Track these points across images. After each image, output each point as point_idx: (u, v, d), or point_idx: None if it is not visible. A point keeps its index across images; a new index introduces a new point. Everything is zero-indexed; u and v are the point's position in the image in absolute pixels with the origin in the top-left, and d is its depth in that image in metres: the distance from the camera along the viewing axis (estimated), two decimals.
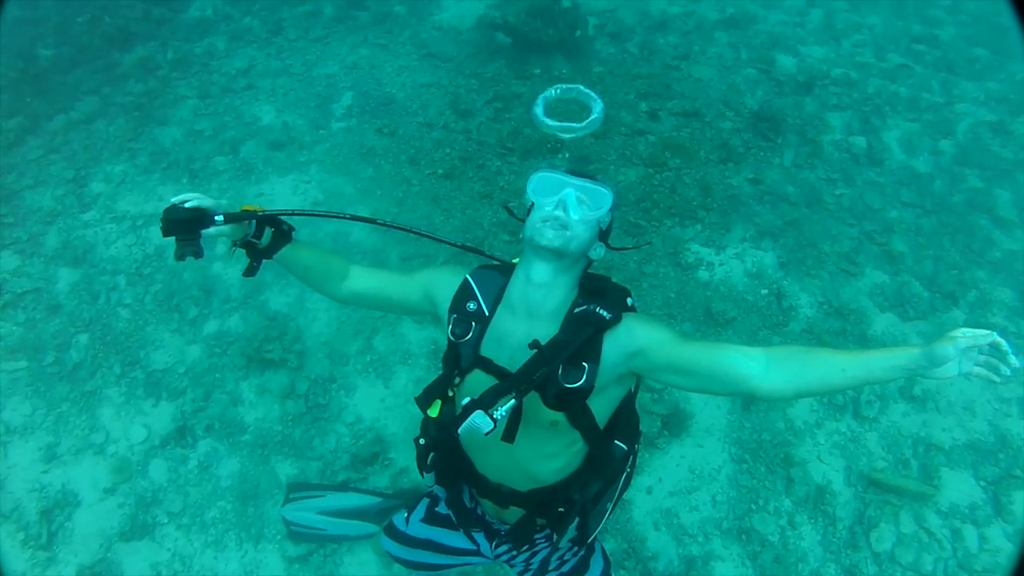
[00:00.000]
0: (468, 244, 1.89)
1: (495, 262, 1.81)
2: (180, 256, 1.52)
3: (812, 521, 2.91)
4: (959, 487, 2.98)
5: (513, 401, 1.44)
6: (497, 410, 1.43)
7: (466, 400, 1.45)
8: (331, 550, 2.79)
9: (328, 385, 3.17)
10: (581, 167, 3.63)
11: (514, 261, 1.71)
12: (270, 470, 2.97)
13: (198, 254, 1.51)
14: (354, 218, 1.79)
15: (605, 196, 1.58)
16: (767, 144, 4.24)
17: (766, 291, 3.48)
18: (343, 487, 2.79)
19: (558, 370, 1.48)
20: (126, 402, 3.14)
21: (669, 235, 3.67)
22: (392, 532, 2.08)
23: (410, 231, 1.81)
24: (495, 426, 1.41)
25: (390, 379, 3.18)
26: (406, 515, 2.07)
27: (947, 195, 4.14)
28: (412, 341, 3.29)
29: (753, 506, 2.95)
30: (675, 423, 3.12)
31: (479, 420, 1.41)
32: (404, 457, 2.95)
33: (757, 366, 1.42)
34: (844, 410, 3.16)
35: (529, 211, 1.61)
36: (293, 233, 1.68)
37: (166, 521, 2.89)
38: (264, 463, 2.99)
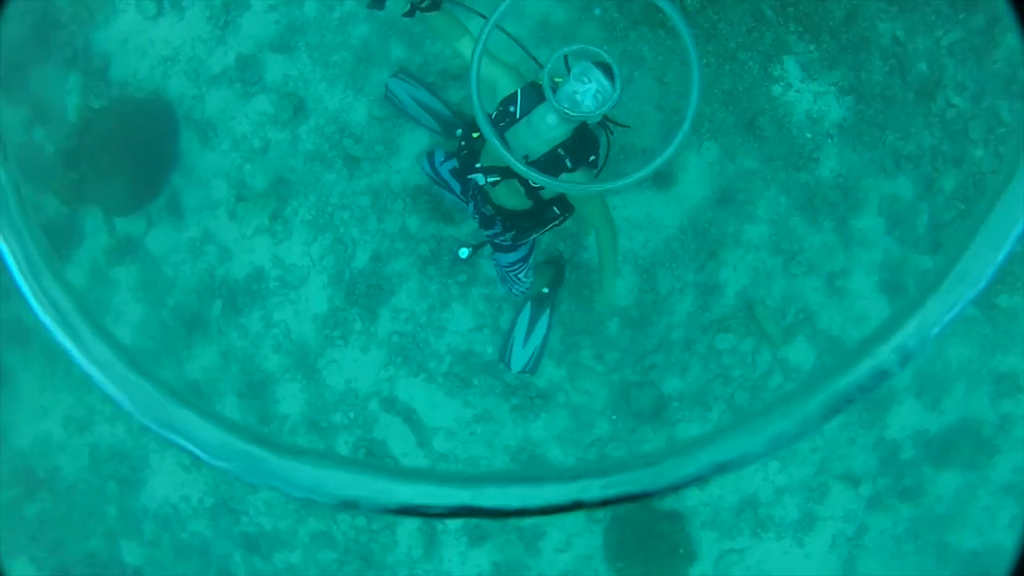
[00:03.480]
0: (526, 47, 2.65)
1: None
2: (369, 6, 2.38)
3: (695, 299, 3.75)
4: (800, 353, 3.80)
5: (499, 178, 2.58)
6: (489, 177, 2.58)
7: (484, 157, 2.63)
8: (400, 123, 3.70)
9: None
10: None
11: (558, 80, 2.47)
12: (387, 48, 3.68)
13: (382, 8, 2.36)
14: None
15: (613, 98, 2.28)
16: (947, 11, 3.97)
17: (810, 136, 3.76)
18: (431, 88, 3.62)
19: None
20: None
21: (783, 39, 3.74)
22: (430, 159, 3.18)
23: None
24: (486, 182, 2.60)
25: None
26: (443, 158, 3.09)
27: None
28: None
29: (666, 264, 3.74)
30: (662, 180, 3.70)
31: (478, 177, 2.62)
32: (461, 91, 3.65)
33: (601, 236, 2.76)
34: (780, 255, 3.77)
35: (569, 71, 2.32)
36: (444, 4, 2.44)
37: (303, 48, 3.72)
38: (385, 40, 3.67)
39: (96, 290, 4.04)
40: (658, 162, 1.97)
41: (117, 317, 4.06)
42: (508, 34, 2.59)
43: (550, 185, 2.06)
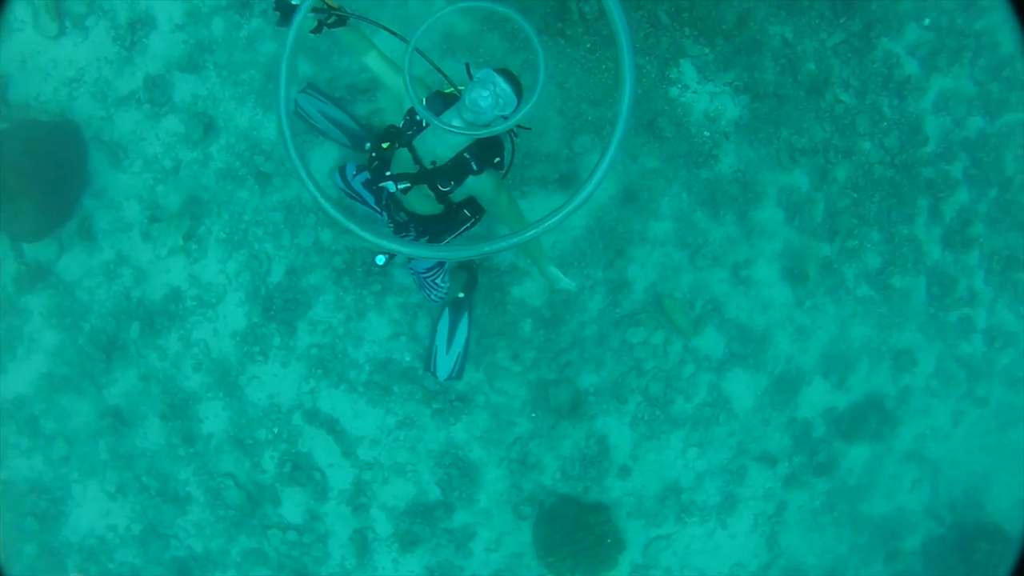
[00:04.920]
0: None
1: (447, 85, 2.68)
2: (278, 24, 2.45)
3: (605, 295, 3.89)
4: (710, 342, 3.97)
5: (409, 184, 2.66)
6: (400, 184, 2.68)
7: (394, 166, 2.71)
8: (310, 138, 3.73)
9: None
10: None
11: (460, 88, 2.61)
12: (295, 64, 3.69)
13: (288, 25, 2.25)
14: (383, 27, 2.60)
15: (513, 103, 2.41)
16: (828, 15, 4.21)
17: (708, 134, 3.94)
18: (339, 103, 3.66)
19: (437, 180, 2.62)
20: None
21: (679, 43, 3.91)
22: (342, 173, 3.23)
23: (392, 32, 2.60)
24: (397, 189, 2.68)
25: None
26: (355, 172, 3.14)
27: (922, 163, 4.32)
28: None
29: (576, 263, 3.87)
30: (568, 182, 3.84)
31: (389, 185, 2.69)
32: (384, 101, 3.70)
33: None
34: (686, 249, 3.94)
35: (471, 75, 2.47)
36: (350, 20, 2.51)
37: (212, 67, 3.72)
38: (292, 57, 3.60)
39: (6, 319, 3.94)
40: (580, 198, 1.78)
41: (30, 345, 3.97)
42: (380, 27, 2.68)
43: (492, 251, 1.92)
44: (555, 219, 1.78)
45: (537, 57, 1.83)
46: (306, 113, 3.63)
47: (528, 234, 1.78)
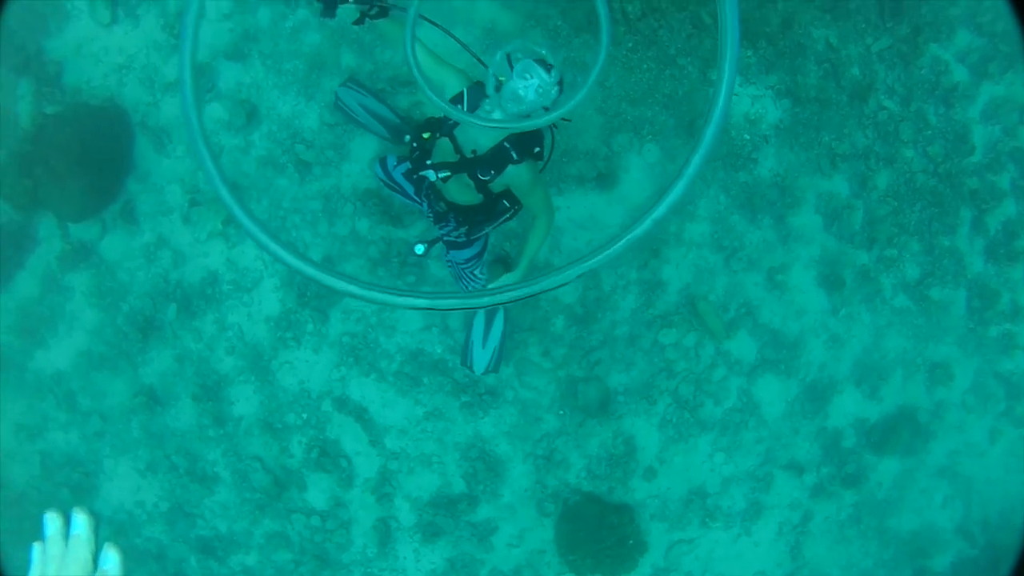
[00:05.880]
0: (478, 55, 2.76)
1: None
2: (322, 15, 2.48)
3: (639, 295, 3.87)
4: (742, 347, 3.93)
5: (449, 173, 2.67)
6: (440, 173, 2.68)
7: (435, 155, 2.72)
8: (351, 128, 3.76)
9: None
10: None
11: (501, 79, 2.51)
12: (338, 56, 3.77)
13: (333, 16, 2.48)
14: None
15: (553, 94, 2.41)
16: (876, 20, 4.16)
17: (749, 137, 3.90)
18: (380, 96, 3.70)
19: (477, 169, 2.65)
20: None
21: None
22: (383, 164, 3.30)
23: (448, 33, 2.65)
24: (437, 178, 2.70)
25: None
26: (395, 163, 3.20)
27: (967, 173, 4.23)
28: None
29: (611, 263, 3.86)
30: (605, 181, 3.82)
31: (429, 174, 2.71)
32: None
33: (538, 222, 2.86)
34: (721, 252, 3.90)
35: (512, 66, 2.44)
36: (392, 12, 2.54)
37: (257, 56, 3.77)
38: (336, 48, 3.76)
39: (49, 296, 4.04)
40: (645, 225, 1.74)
41: (71, 323, 4.06)
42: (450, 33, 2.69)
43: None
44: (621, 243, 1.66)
45: (600, 24, 1.74)
46: (346, 106, 3.67)
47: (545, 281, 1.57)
